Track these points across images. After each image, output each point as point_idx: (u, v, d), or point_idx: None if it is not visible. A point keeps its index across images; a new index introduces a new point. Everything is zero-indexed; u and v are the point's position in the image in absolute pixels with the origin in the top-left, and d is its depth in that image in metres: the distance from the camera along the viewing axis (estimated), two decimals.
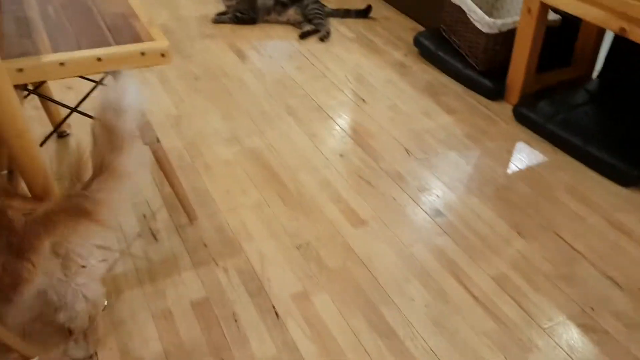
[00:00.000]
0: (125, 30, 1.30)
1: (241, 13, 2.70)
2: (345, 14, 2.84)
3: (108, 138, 0.96)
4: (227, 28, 2.69)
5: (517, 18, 2.15)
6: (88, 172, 0.98)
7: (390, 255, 1.52)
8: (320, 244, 1.55)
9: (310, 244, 1.54)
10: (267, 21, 2.76)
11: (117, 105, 0.97)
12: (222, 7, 2.80)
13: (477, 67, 2.26)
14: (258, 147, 1.91)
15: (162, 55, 1.27)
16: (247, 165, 1.83)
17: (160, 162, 1.45)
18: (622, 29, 1.72)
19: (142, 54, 1.24)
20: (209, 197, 1.68)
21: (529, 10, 2.03)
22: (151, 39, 1.28)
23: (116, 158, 0.96)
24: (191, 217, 1.58)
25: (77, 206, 0.94)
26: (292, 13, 2.73)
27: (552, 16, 2.18)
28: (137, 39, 1.27)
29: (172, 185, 1.51)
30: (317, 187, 1.75)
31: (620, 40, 2.13)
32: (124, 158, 0.97)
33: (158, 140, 1.42)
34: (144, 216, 1.60)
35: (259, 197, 1.70)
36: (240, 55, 2.47)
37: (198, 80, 2.27)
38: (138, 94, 0.99)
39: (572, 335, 1.33)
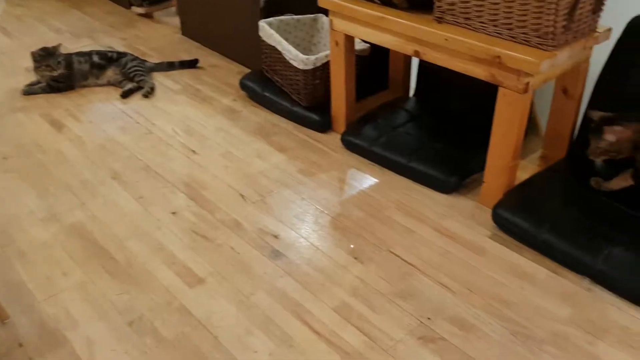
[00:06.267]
0: None
1: (56, 81, 2.54)
2: (169, 66, 2.78)
3: None
4: (41, 98, 2.52)
5: (329, 52, 2.23)
6: None
7: (231, 310, 1.46)
8: (154, 314, 1.44)
9: (143, 316, 1.44)
10: (86, 86, 2.62)
11: None
12: (33, 77, 2.61)
13: (301, 103, 2.31)
14: (80, 221, 1.77)
15: None
16: (67, 243, 1.68)
17: None
18: (416, 52, 1.84)
19: None
20: (24, 289, 1.52)
21: (337, 43, 2.11)
22: None
23: None
24: (2, 317, 1.40)
25: None
26: (111, 74, 2.62)
27: (360, 45, 2.29)
28: None
29: None
30: (148, 253, 1.65)
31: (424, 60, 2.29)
32: None
33: None
34: None
35: (82, 277, 1.56)
36: (56, 125, 2.31)
37: (7, 159, 2.08)
38: None
39: (412, 350, 1.35)
